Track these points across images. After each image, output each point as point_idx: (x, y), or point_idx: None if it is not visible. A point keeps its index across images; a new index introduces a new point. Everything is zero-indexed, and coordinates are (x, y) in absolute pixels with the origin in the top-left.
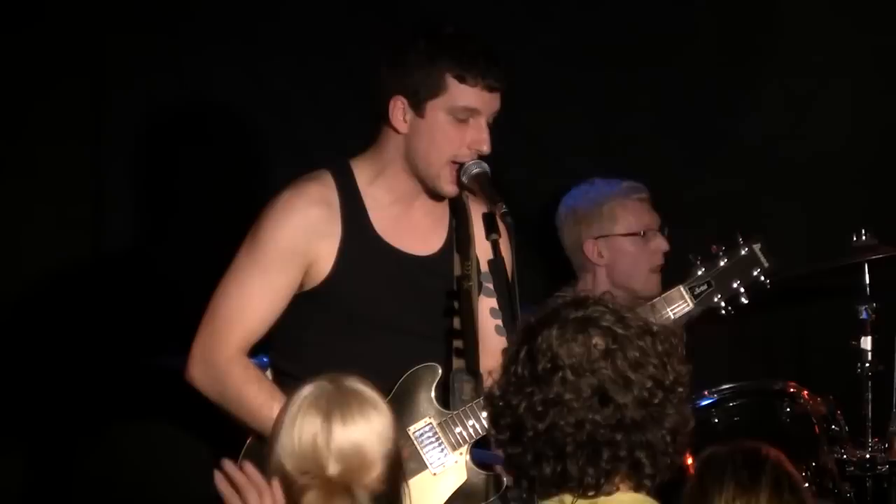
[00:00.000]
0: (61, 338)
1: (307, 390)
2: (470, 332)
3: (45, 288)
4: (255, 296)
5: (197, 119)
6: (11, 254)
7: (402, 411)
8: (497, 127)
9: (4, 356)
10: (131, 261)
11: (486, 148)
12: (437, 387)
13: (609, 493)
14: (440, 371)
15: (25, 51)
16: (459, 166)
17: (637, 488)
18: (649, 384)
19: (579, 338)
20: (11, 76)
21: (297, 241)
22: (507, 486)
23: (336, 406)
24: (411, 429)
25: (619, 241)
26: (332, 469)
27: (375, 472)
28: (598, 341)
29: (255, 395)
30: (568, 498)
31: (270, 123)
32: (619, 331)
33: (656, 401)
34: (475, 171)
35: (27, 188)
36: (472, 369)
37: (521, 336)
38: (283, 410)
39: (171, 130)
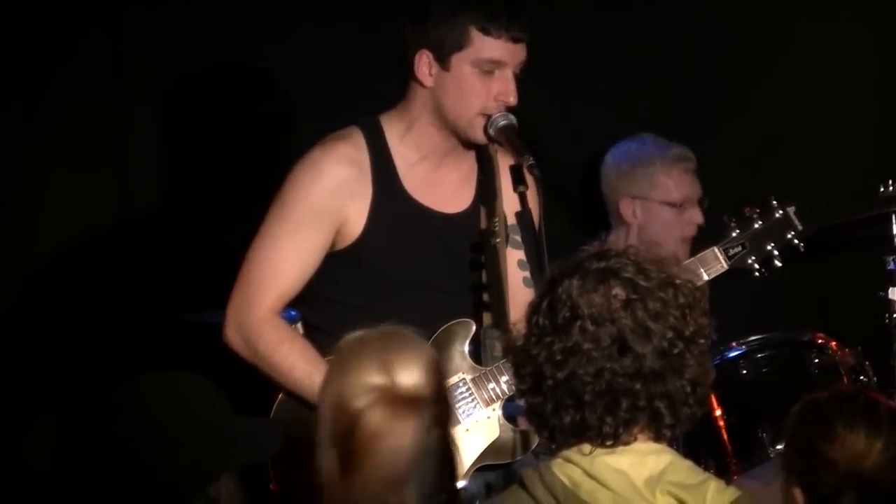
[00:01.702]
0: (90, 298)
1: (353, 336)
2: (498, 288)
3: (74, 247)
4: (286, 256)
5: (223, 79)
6: (40, 214)
7: None
8: (525, 78)
9: (35, 317)
10: (159, 220)
11: (512, 99)
12: (470, 343)
13: (627, 443)
14: (473, 327)
15: (51, 13)
16: (487, 118)
17: (656, 438)
18: (669, 335)
19: (600, 288)
20: (38, 38)
21: (327, 200)
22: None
23: (389, 341)
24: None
25: (655, 207)
26: (398, 387)
27: (434, 397)
28: (618, 292)
29: (286, 355)
30: (587, 447)
31: (297, 82)
32: (641, 282)
33: (676, 351)
34: (502, 123)
35: (55, 149)
36: (502, 325)
37: (544, 287)
38: (334, 359)
39: (197, 90)
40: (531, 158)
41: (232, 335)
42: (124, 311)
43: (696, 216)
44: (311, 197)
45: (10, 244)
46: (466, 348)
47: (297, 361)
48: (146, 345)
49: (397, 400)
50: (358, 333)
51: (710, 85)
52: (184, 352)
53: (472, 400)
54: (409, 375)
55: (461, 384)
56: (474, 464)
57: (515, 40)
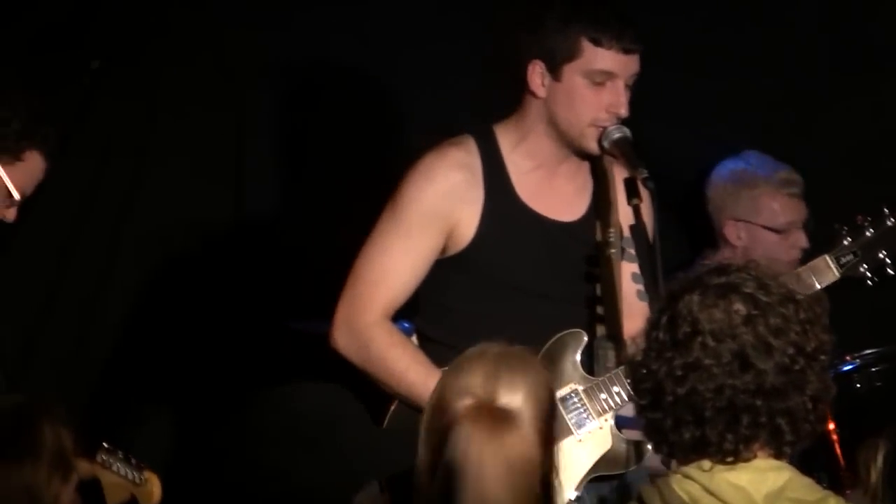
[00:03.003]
0: (204, 304)
1: (472, 350)
2: (612, 299)
3: (189, 254)
4: (397, 260)
5: (335, 86)
6: (157, 221)
7: None
8: (638, 89)
9: (149, 322)
10: (272, 227)
11: (623, 111)
12: (582, 353)
13: (748, 460)
14: (585, 337)
15: (169, 19)
16: (601, 130)
17: (776, 455)
18: (791, 350)
19: (720, 303)
20: (156, 45)
21: (439, 205)
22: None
23: (505, 363)
24: (556, 394)
25: (759, 231)
26: (499, 401)
27: (539, 418)
28: (739, 307)
29: (398, 359)
30: (707, 463)
31: (410, 88)
32: (762, 297)
33: (797, 367)
34: (616, 135)
35: (173, 154)
36: (615, 336)
37: (664, 302)
38: (445, 373)
39: (310, 97)
40: (646, 171)
41: (342, 339)
42: (237, 318)
43: (801, 240)
44: (422, 201)
45: (125, 251)
46: (578, 358)
47: (410, 365)
48: (258, 352)
49: (491, 415)
50: (482, 344)
51: (817, 93)
52: (295, 360)
53: (585, 410)
54: (512, 397)
55: (573, 395)
56: (587, 475)
57: (626, 51)
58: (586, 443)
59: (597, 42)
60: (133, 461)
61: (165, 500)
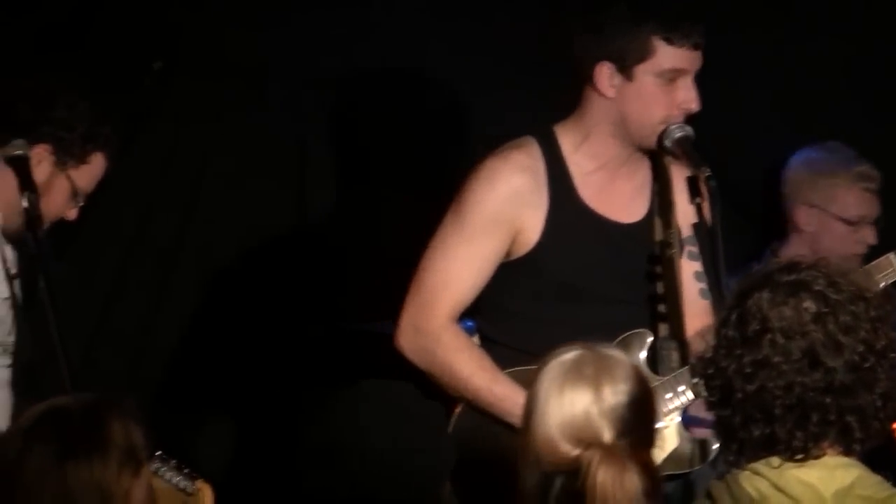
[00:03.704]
0: (269, 304)
1: (567, 358)
2: (674, 299)
3: (252, 256)
4: (461, 264)
5: (397, 89)
6: (219, 224)
7: None
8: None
9: (212, 324)
10: (334, 228)
11: (695, 106)
12: (646, 353)
13: (817, 457)
14: (650, 337)
15: (234, 25)
16: (663, 129)
17: (846, 453)
18: (861, 348)
19: (790, 301)
20: (219, 48)
21: (503, 208)
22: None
23: (603, 372)
24: None
25: (829, 220)
26: (608, 436)
27: (641, 432)
28: (809, 305)
29: (465, 364)
30: (776, 461)
31: (470, 91)
32: (832, 295)
33: (867, 365)
34: (678, 134)
35: (237, 157)
36: (678, 336)
37: (733, 299)
38: (543, 382)
39: (371, 100)
40: (708, 170)
41: (407, 343)
42: (299, 322)
43: (870, 236)
44: (486, 205)
45: (187, 255)
46: (643, 358)
47: (475, 371)
48: (321, 354)
49: (617, 455)
50: (568, 356)
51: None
52: (356, 361)
53: None
54: (619, 402)
55: None
56: None
57: (696, 47)
58: None
59: (669, 41)
60: (186, 470)
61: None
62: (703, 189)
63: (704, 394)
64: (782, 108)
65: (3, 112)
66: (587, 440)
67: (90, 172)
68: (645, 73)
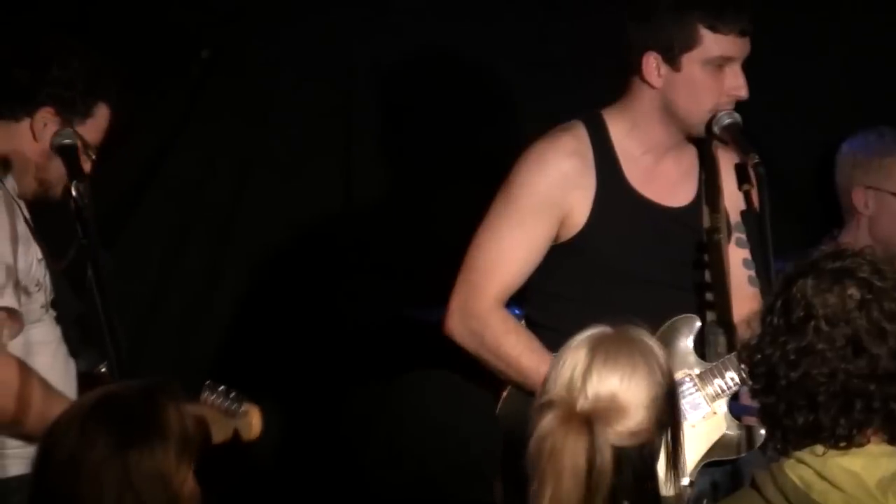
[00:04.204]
0: (313, 295)
1: (591, 329)
2: (721, 285)
3: (300, 244)
4: (510, 248)
5: (443, 74)
6: (266, 211)
7: None
8: (753, 77)
9: (262, 313)
10: (381, 216)
11: (744, 93)
12: (695, 338)
13: (861, 445)
14: (698, 323)
15: (282, 17)
16: (711, 116)
17: (891, 441)
18: None
19: (835, 288)
20: (267, 40)
21: (552, 192)
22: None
23: (604, 348)
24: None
25: (888, 199)
26: (581, 404)
27: (630, 423)
28: (853, 292)
29: (513, 345)
30: (820, 449)
31: (515, 75)
32: (876, 282)
33: None
34: (727, 121)
35: (282, 143)
36: (726, 321)
37: (779, 286)
38: (565, 345)
39: (417, 85)
40: (757, 157)
41: (456, 326)
42: (349, 310)
43: None
44: (535, 189)
45: (235, 245)
46: (692, 345)
47: (523, 352)
48: (374, 342)
49: (570, 414)
50: (593, 328)
51: None
52: (409, 349)
53: (699, 396)
54: (605, 384)
55: (687, 380)
56: (701, 460)
57: (742, 34)
58: (699, 428)
59: (715, 28)
60: (232, 394)
61: (284, 493)
62: (752, 176)
63: (749, 381)
64: (832, 97)
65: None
66: (563, 397)
67: (96, 125)
68: (692, 62)
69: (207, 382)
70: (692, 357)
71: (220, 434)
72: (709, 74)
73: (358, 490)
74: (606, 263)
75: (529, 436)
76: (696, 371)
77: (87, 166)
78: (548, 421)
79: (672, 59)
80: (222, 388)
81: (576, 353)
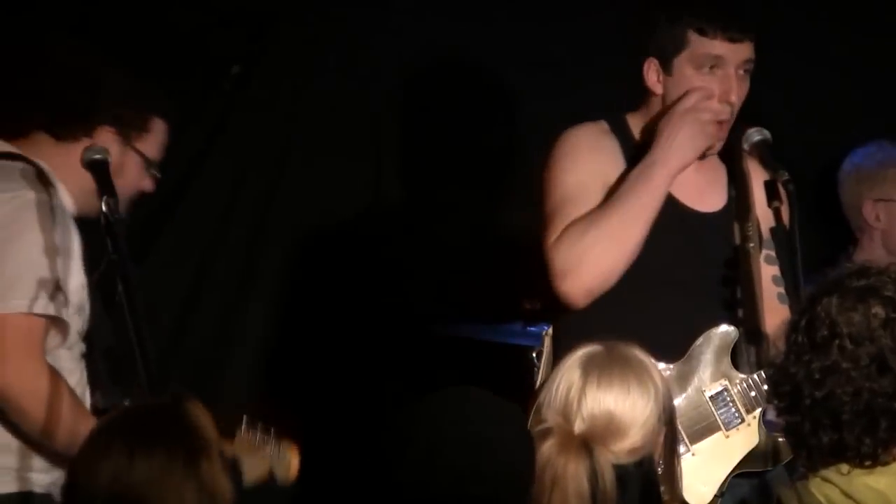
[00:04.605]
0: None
1: (585, 349)
2: (752, 294)
3: (331, 246)
4: (581, 204)
5: (471, 78)
6: (298, 214)
7: (698, 372)
8: (774, 89)
9: (290, 319)
10: (409, 218)
11: (733, 97)
12: (732, 350)
13: (886, 463)
14: (735, 334)
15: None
16: (742, 132)
17: None
18: None
19: (859, 307)
20: (297, 40)
21: (593, 171)
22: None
23: (596, 368)
24: (706, 391)
25: None
26: (578, 426)
27: (628, 442)
28: (878, 311)
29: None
30: (845, 468)
31: (543, 82)
32: None
33: None
34: (756, 138)
35: (315, 141)
36: (757, 331)
37: (803, 305)
38: (560, 362)
39: (444, 89)
40: (786, 174)
41: (566, 284)
42: (376, 316)
43: None
44: (578, 170)
45: (268, 249)
46: (728, 356)
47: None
48: (400, 354)
49: (569, 438)
50: (585, 347)
51: None
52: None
53: (733, 406)
54: (600, 405)
55: (724, 391)
56: (733, 470)
57: (733, 40)
58: (733, 438)
59: (702, 32)
60: (271, 432)
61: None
62: (782, 193)
63: (773, 399)
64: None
65: (56, 106)
66: (560, 422)
67: (155, 139)
68: (682, 64)
69: (245, 418)
70: (729, 368)
71: (254, 472)
72: (699, 77)
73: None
74: (635, 263)
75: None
76: (732, 382)
77: (147, 184)
78: (547, 448)
79: (666, 64)
80: (260, 425)
81: (569, 375)
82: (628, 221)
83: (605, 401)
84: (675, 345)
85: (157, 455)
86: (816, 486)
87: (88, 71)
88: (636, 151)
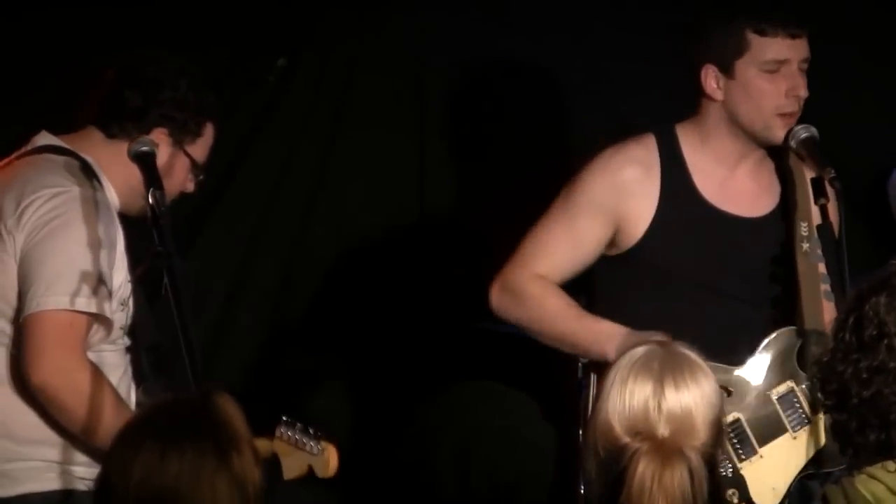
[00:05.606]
0: (385, 299)
1: (638, 352)
2: (814, 294)
3: (373, 250)
4: (557, 237)
5: (517, 84)
6: (340, 217)
7: (766, 374)
8: (828, 89)
9: (332, 319)
10: (454, 223)
11: (803, 92)
12: (798, 351)
13: None
14: (798, 336)
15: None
16: (788, 130)
17: None
18: None
19: None
20: (339, 45)
21: (606, 196)
22: None
23: (668, 370)
24: (773, 392)
25: None
26: (663, 431)
27: (703, 436)
28: None
29: (553, 304)
30: (892, 465)
31: (592, 88)
32: None
33: None
34: (803, 135)
35: (358, 149)
36: (820, 331)
37: (850, 303)
38: (612, 372)
39: (488, 94)
40: (833, 171)
41: (497, 298)
42: (421, 316)
43: None
44: (592, 189)
45: (309, 249)
46: (795, 357)
47: (563, 308)
48: (443, 351)
49: (663, 447)
50: (641, 350)
51: None
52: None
53: (800, 408)
54: (680, 404)
55: (791, 393)
56: (800, 472)
57: (793, 36)
58: (800, 440)
59: (762, 32)
60: (311, 431)
61: (353, 501)
62: (829, 190)
63: (821, 398)
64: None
65: (113, 103)
66: (642, 432)
67: (205, 143)
68: (746, 68)
69: (284, 418)
70: (796, 370)
71: (293, 469)
72: (764, 78)
73: (426, 499)
74: (669, 272)
75: (612, 459)
76: (799, 384)
77: (191, 186)
78: (643, 467)
79: (727, 69)
80: (300, 424)
81: (638, 385)
82: (548, 341)
83: (684, 400)
84: (734, 351)
85: (188, 450)
86: (862, 483)
87: (149, 70)
88: (683, 166)
